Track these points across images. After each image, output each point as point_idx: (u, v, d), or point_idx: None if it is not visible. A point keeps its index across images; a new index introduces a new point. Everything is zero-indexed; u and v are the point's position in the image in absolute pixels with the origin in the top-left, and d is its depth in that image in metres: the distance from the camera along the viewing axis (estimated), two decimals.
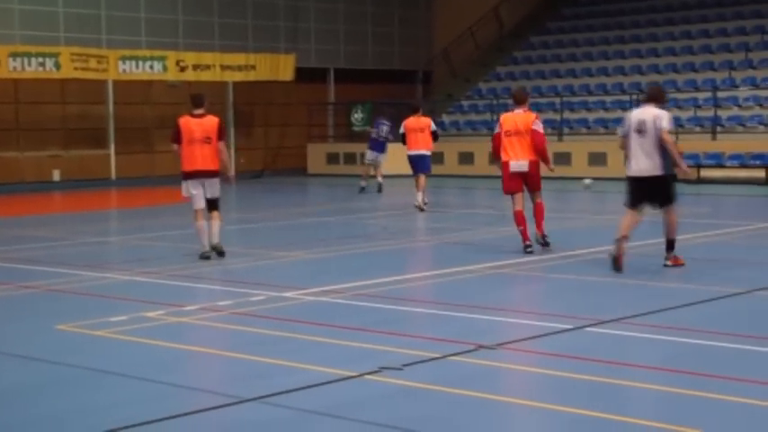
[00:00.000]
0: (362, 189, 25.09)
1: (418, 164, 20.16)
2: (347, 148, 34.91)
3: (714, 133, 28.08)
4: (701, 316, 9.00)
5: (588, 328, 8.46)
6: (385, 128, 25.14)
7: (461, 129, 34.44)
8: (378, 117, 26.22)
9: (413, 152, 20.22)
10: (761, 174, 25.77)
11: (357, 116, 35.84)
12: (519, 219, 13.27)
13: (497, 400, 6.41)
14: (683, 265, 11.65)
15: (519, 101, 13.71)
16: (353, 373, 6.99)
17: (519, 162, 13.29)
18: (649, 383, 6.68)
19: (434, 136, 20.46)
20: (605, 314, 8.97)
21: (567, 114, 31.55)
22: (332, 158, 35.43)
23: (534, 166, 13.35)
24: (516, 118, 13.42)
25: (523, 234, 13.28)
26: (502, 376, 7.09)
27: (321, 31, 36.83)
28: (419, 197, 19.79)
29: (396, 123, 23.26)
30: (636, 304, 9.48)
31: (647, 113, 11.51)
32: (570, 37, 37.13)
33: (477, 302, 9.71)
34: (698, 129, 28.98)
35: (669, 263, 11.70)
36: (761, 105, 28.76)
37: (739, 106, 29.02)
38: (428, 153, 20.33)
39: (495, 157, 13.73)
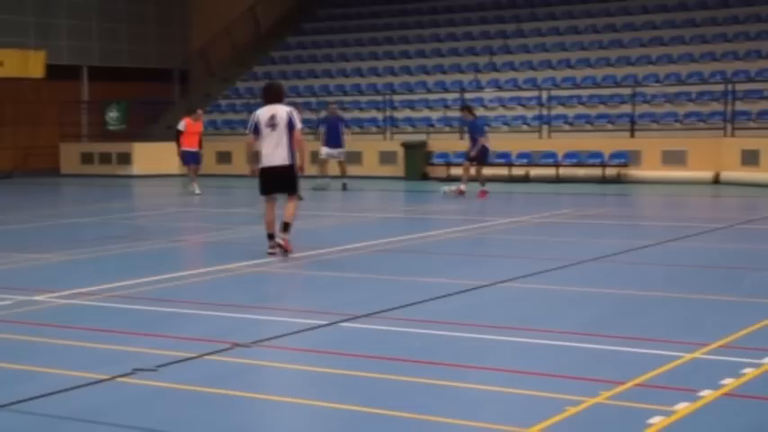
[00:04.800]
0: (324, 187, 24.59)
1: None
2: (102, 148, 34.09)
3: (462, 133, 29.18)
4: (448, 308, 9.37)
5: (342, 324, 8.64)
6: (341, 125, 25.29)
7: (219, 128, 34.27)
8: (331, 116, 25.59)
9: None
10: (504, 171, 27.04)
11: (112, 115, 35.05)
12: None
13: (254, 398, 6.47)
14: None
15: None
16: (106, 376, 6.88)
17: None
18: (401, 375, 6.90)
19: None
20: (358, 309, 9.19)
21: (323, 113, 31.91)
22: (86, 158, 34.47)
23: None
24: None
25: None
26: (258, 374, 7.15)
27: (73, 28, 35.74)
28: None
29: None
30: (387, 299, 9.77)
31: None
32: (325, 38, 37.65)
33: (233, 301, 9.74)
34: (447, 129, 30.05)
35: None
36: (504, 106, 30.16)
37: (485, 107, 30.29)
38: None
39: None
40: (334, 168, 25.33)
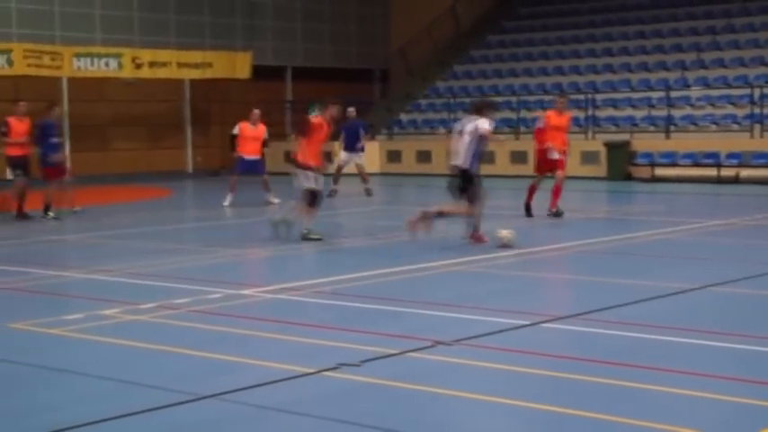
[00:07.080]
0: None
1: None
2: None
3: (668, 132, 28.36)
4: (654, 311, 9.07)
5: (544, 324, 8.50)
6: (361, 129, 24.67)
7: (419, 127, 34.47)
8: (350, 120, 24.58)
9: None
10: (713, 172, 26.06)
11: (315, 114, 35.72)
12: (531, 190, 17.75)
13: (456, 396, 6.42)
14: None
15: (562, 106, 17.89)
16: (312, 370, 6.98)
17: (553, 149, 17.29)
18: (603, 378, 6.72)
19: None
20: (561, 310, 9.02)
21: (523, 113, 31.69)
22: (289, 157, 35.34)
23: (563, 154, 17.50)
24: (558, 117, 17.51)
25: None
26: (460, 372, 7.10)
27: (278, 29, 36.72)
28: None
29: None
30: (591, 300, 9.55)
31: None
32: (526, 36, 37.31)
33: (435, 299, 9.73)
34: (652, 128, 29.24)
35: None
36: (713, 105, 29.07)
37: (692, 106, 29.31)
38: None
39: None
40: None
